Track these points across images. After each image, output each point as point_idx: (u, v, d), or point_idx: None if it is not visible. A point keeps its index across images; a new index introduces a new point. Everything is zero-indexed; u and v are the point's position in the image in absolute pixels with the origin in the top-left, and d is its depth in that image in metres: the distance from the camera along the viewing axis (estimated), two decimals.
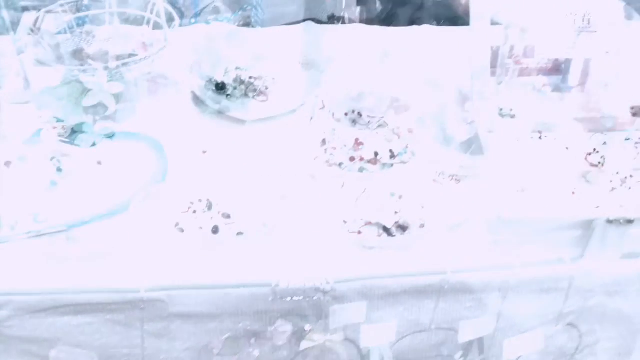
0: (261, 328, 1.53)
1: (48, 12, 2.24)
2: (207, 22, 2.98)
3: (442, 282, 1.50)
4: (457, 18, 2.32)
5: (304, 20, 2.41)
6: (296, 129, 1.79)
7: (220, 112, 1.89)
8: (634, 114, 1.80)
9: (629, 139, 1.75)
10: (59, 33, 2.05)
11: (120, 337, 1.51)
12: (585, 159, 1.70)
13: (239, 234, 1.54)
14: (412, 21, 2.34)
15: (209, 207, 1.59)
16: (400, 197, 1.64)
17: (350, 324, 1.56)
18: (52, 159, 1.68)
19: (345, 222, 1.58)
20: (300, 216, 1.60)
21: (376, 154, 1.71)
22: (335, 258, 1.52)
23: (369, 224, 1.57)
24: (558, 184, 1.63)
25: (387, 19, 2.76)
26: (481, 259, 1.53)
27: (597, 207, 1.57)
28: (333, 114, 1.84)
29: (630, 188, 1.62)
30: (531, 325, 1.59)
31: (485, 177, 1.64)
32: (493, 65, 1.92)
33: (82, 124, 1.81)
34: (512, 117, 1.79)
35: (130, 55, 1.88)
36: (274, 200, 1.62)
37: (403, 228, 1.56)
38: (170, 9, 1.94)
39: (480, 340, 1.65)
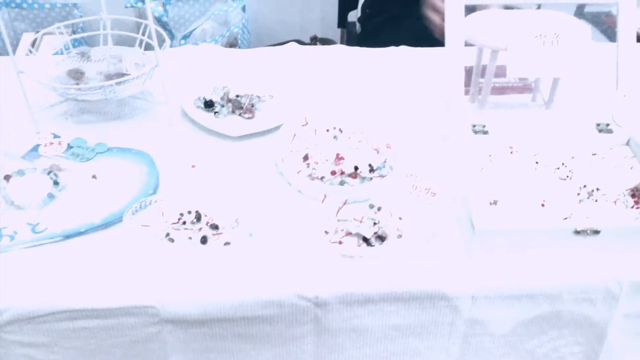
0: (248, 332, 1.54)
1: (46, 33, 2.25)
2: (196, 44, 3.00)
3: (419, 289, 1.52)
4: (433, 39, 2.34)
5: (288, 42, 2.42)
6: (280, 145, 1.80)
7: (208, 129, 1.90)
8: (600, 131, 1.82)
9: (595, 154, 1.77)
10: (56, 53, 2.06)
11: (114, 341, 1.51)
12: (554, 172, 1.71)
13: (226, 244, 1.55)
14: (390, 42, 2.36)
15: (198, 218, 1.60)
16: (379, 209, 1.65)
17: None
18: (49, 172, 1.69)
19: (327, 232, 1.59)
20: (285, 227, 1.61)
21: (356, 168, 1.72)
22: (317, 267, 1.53)
23: (349, 234, 1.59)
24: (528, 196, 1.64)
25: (367, 41, 2.78)
26: (455, 268, 1.54)
27: (565, 218, 1.59)
28: (315, 131, 1.85)
29: (596, 200, 1.64)
30: (502, 330, 1.61)
31: (460, 190, 1.66)
32: (467, 84, 1.94)
33: (77, 139, 1.82)
34: (485, 133, 1.80)
35: (124, 75, 1.89)
36: (260, 211, 1.63)
37: (382, 238, 1.57)
38: (161, 30, 1.95)
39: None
